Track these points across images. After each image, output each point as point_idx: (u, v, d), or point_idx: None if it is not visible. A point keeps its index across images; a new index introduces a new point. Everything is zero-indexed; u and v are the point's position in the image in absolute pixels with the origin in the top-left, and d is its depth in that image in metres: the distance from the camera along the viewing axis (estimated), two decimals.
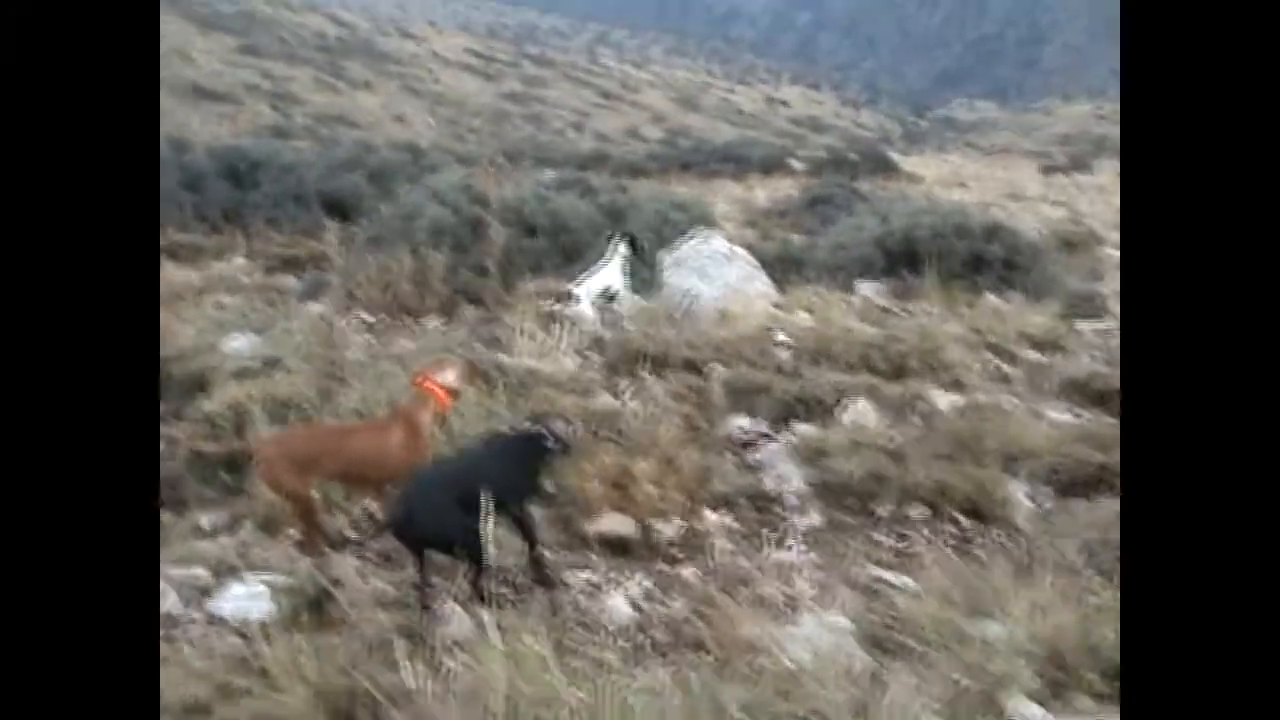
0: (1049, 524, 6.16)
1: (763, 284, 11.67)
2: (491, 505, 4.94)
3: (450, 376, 6.32)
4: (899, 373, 8.30)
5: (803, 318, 10.35)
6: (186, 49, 63.05)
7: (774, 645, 4.47)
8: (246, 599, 5.12)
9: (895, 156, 47.52)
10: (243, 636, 4.79)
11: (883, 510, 6.41)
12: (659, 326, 9.53)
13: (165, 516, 6.32)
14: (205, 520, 6.34)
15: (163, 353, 9.18)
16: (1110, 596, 4.50)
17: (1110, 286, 14.28)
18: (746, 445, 7.37)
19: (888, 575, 5.58)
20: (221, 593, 5.23)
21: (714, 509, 6.38)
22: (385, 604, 5.13)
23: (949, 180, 39.52)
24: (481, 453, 5.67)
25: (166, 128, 37.99)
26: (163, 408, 7.90)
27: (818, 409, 7.67)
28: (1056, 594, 4.61)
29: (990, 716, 3.95)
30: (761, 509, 6.52)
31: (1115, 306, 12.41)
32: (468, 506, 4.92)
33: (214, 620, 5.06)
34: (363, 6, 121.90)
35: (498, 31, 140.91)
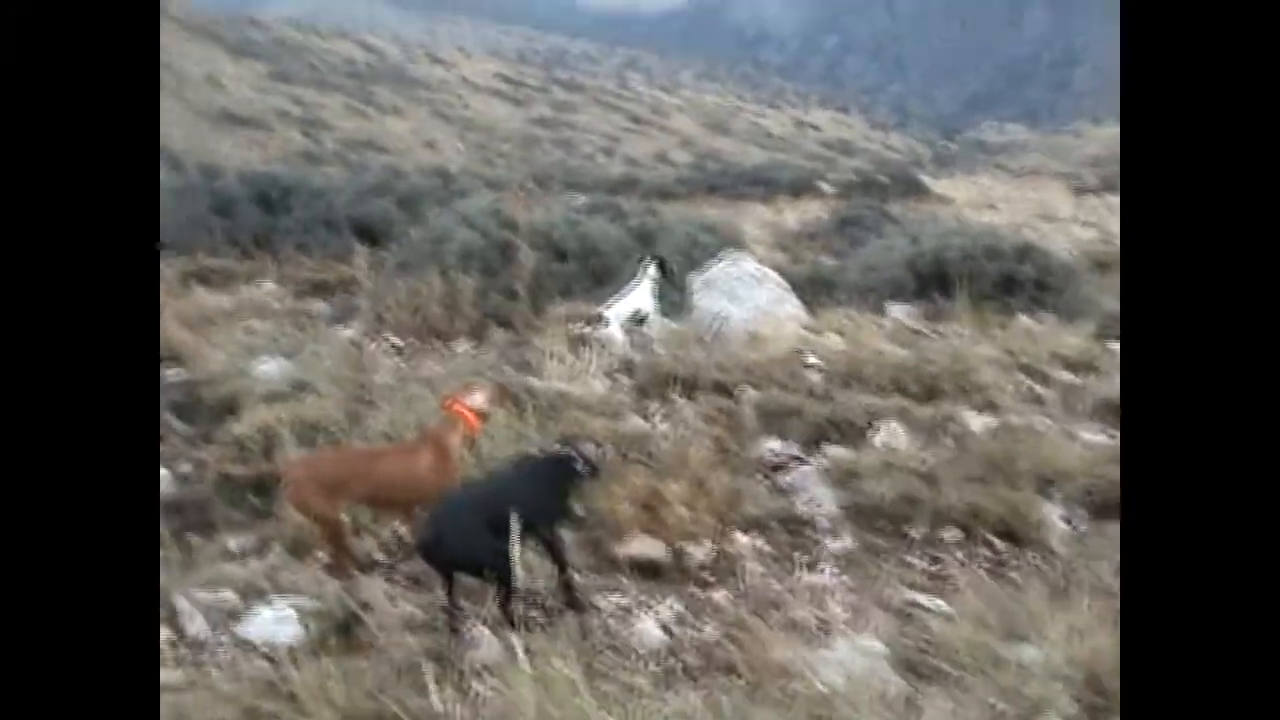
0: (1084, 546, 6.09)
1: (793, 306, 11.63)
2: (520, 528, 4.91)
3: (479, 399, 6.30)
4: (931, 395, 8.24)
5: (833, 340, 10.30)
6: (218, 76, 63.58)
7: (806, 669, 4.42)
8: (274, 623, 5.09)
9: (925, 179, 47.46)
10: (270, 660, 4.76)
11: (916, 533, 6.35)
12: (689, 349, 9.50)
13: (193, 539, 6.31)
14: (233, 543, 6.32)
15: (193, 376, 9.22)
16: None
17: None
18: (778, 468, 7.31)
19: (921, 598, 5.52)
20: (249, 616, 5.20)
21: (745, 532, 6.33)
22: (414, 627, 5.09)
23: (979, 202, 39.43)
24: (511, 475, 5.64)
25: (197, 153, 38.27)
26: (192, 431, 7.92)
27: (849, 431, 7.62)
28: (1093, 617, 4.54)
29: None
30: (793, 532, 6.46)
31: None
32: (497, 529, 4.88)
33: (242, 644, 5.03)
34: (392, 33, 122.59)
35: (527, 57, 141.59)
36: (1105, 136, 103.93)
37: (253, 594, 5.42)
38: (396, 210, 19.85)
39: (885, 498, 6.50)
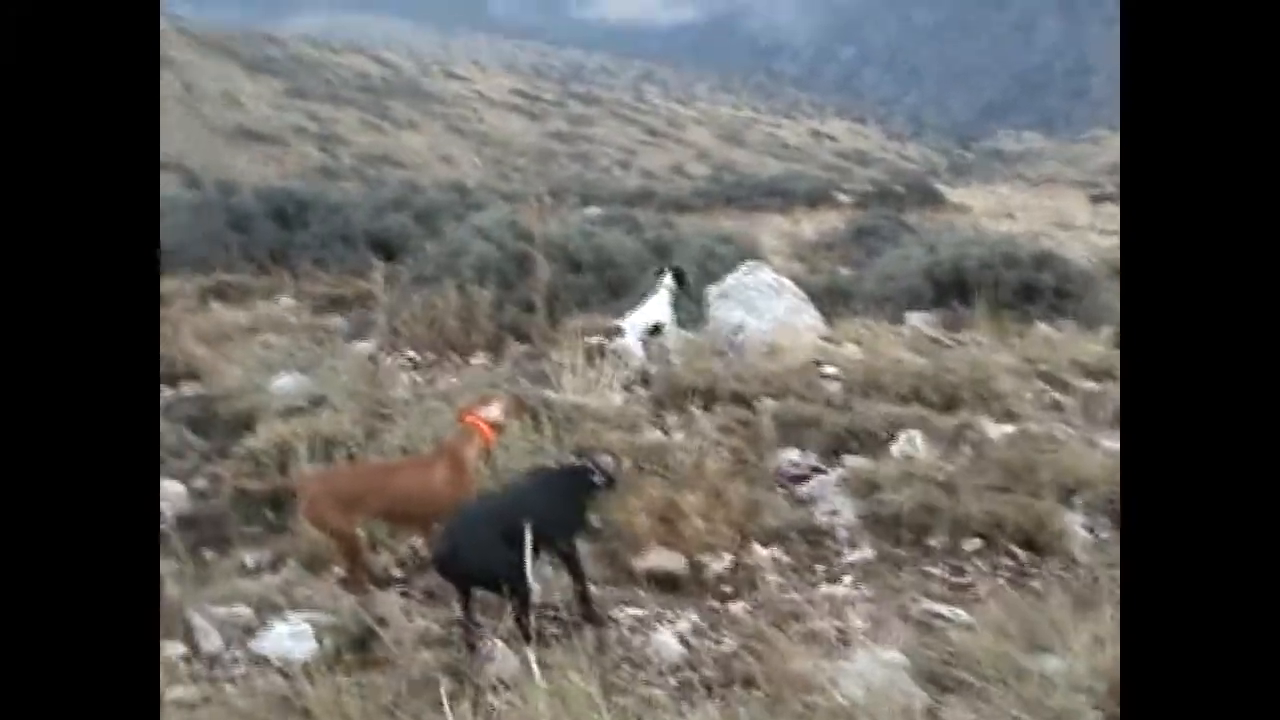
0: (1107, 555, 6.02)
1: (810, 316, 11.58)
2: (534, 540, 4.88)
3: (495, 412, 6.28)
4: (950, 404, 8.19)
5: (851, 350, 10.25)
6: (234, 92, 63.84)
7: (826, 681, 4.37)
8: (289, 638, 5.06)
9: (942, 188, 47.39)
10: (285, 676, 4.74)
11: (936, 543, 6.30)
12: (706, 360, 9.46)
13: (209, 554, 6.30)
14: (249, 558, 6.30)
15: (209, 392, 9.21)
16: None
17: None
18: (796, 478, 7.27)
19: (942, 609, 5.46)
20: (264, 631, 5.17)
21: (764, 543, 6.29)
22: (430, 642, 5.06)
23: (996, 211, 39.35)
24: (526, 488, 5.61)
25: (214, 170, 38.42)
26: (208, 446, 7.91)
27: (868, 441, 7.57)
28: (1117, 626, 4.48)
29: None
30: (812, 543, 6.42)
31: None
32: (513, 542, 4.85)
33: (257, 659, 5.00)
34: (408, 48, 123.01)
35: (543, 71, 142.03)
36: None
37: (268, 609, 5.40)
38: (413, 225, 19.89)
39: (905, 507, 6.44)
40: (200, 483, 7.44)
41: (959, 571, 6.01)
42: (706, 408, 8.17)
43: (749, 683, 4.66)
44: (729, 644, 5.13)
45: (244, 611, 5.36)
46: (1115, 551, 6.05)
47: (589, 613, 5.35)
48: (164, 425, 7.99)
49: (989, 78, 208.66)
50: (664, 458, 6.96)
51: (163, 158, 44.95)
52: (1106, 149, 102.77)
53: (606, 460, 5.81)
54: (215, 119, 58.20)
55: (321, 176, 47.09)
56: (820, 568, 6.06)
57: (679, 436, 7.62)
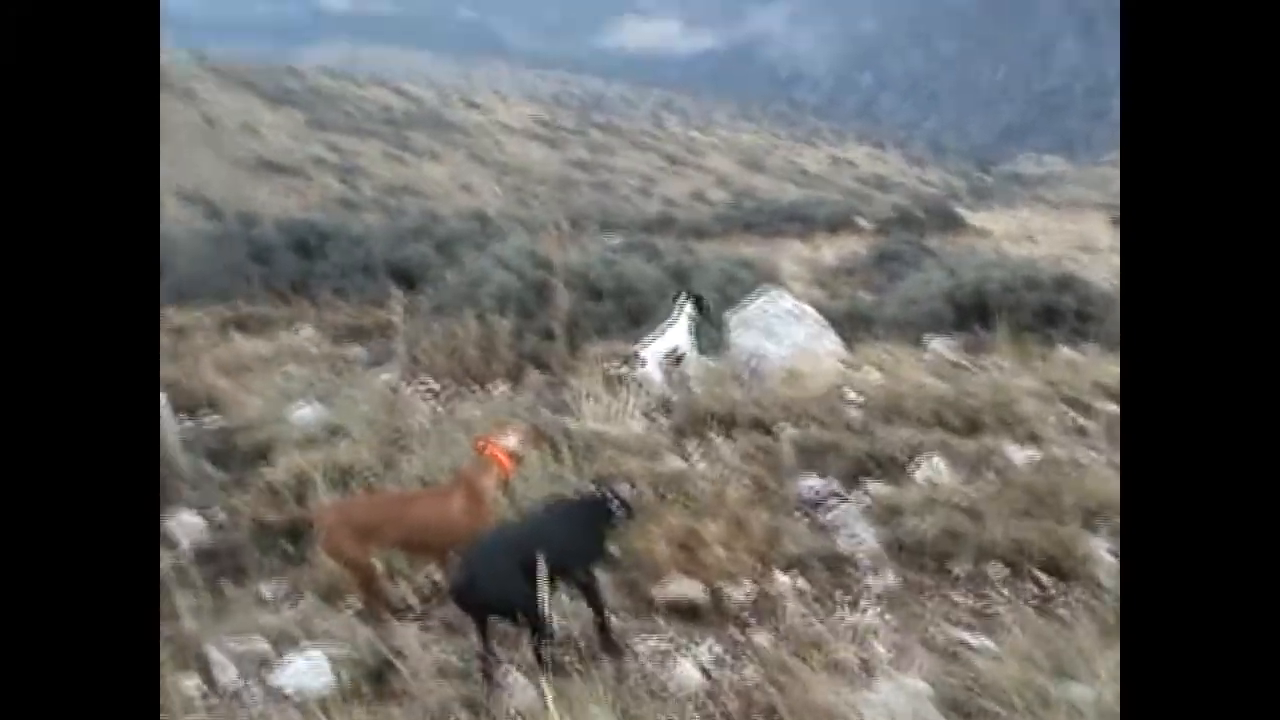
0: None
1: (831, 342, 11.53)
2: (546, 570, 4.83)
3: (513, 441, 6.24)
4: (972, 428, 8.12)
5: (873, 375, 10.20)
6: (255, 124, 64.17)
7: (850, 712, 4.31)
8: (307, 671, 5.02)
9: (962, 212, 47.29)
10: (302, 710, 4.69)
11: (960, 569, 6.23)
12: (727, 387, 9.42)
13: (227, 586, 6.28)
14: (267, 590, 6.27)
15: (229, 423, 9.19)
16: None
17: None
18: (818, 505, 7.21)
19: (967, 637, 5.40)
20: (281, 665, 5.13)
21: (785, 571, 6.22)
22: (447, 674, 5.02)
23: (1017, 234, 39.26)
24: (545, 518, 5.57)
25: (235, 202, 38.61)
26: (226, 477, 7.88)
27: (890, 467, 7.51)
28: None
29: None
30: (834, 570, 6.35)
31: None
32: (530, 573, 4.80)
33: (274, 693, 4.96)
34: (428, 79, 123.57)
35: (563, 100, 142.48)
36: None
37: (285, 642, 5.36)
38: (434, 254, 19.90)
39: (928, 534, 6.39)
40: (219, 514, 7.42)
41: (984, 598, 5.94)
42: (727, 435, 8.13)
43: (771, 713, 4.60)
44: (750, 674, 5.07)
45: (261, 646, 5.32)
46: None
47: (608, 643, 5.30)
48: (183, 457, 7.99)
49: (1008, 101, 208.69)
50: (684, 485, 6.91)
51: (184, 190, 45.27)
52: None
53: (625, 489, 5.77)
54: (236, 151, 58.53)
55: (343, 208, 47.25)
56: (843, 595, 6.00)
57: (700, 464, 7.57)
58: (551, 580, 4.93)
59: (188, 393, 10.06)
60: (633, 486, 5.96)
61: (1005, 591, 5.96)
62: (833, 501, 7.21)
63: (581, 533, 5.40)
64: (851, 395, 9.08)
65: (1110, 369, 10.49)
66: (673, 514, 6.31)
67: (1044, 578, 6.05)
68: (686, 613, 5.79)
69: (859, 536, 6.67)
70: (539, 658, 4.89)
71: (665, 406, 9.18)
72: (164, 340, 13.68)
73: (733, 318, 11.49)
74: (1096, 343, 12.25)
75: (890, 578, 6.22)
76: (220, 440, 8.83)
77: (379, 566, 5.85)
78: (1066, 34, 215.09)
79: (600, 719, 3.89)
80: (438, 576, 6.14)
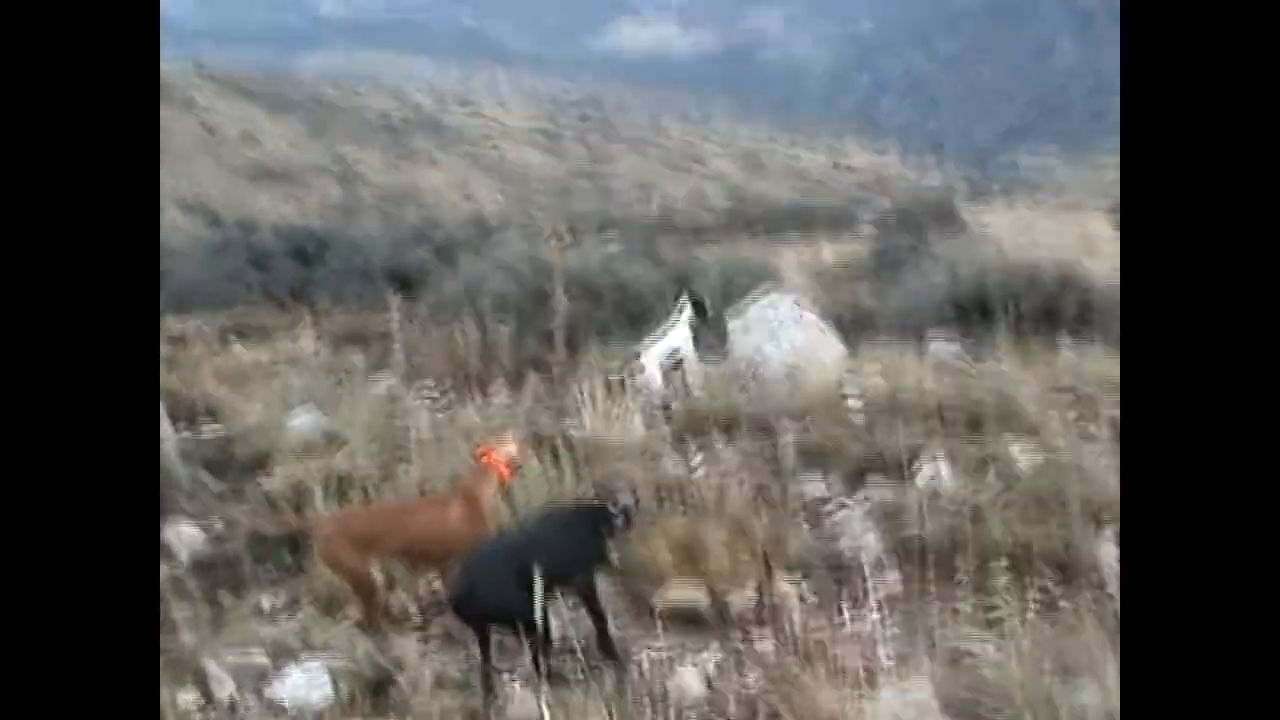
0: None
1: (832, 342, 11.48)
2: (549, 580, 4.78)
3: (511, 449, 6.20)
4: (975, 429, 8.06)
5: (874, 376, 10.13)
6: (255, 132, 64.16)
7: (855, 718, 4.26)
8: (305, 685, 4.97)
9: (963, 210, 47.18)
10: None
11: (963, 573, 6.16)
12: (727, 390, 9.37)
13: (225, 598, 6.23)
14: (265, 601, 6.22)
15: (228, 432, 9.14)
16: None
17: None
18: (820, 509, 7.15)
19: (972, 640, 5.34)
20: (280, 678, 5.08)
21: (788, 575, 6.17)
22: (447, 685, 4.98)
23: (1018, 232, 39.10)
24: (544, 527, 5.53)
25: (235, 210, 38.60)
26: (224, 488, 7.83)
27: (892, 469, 7.45)
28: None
29: None
30: (837, 574, 6.30)
31: None
32: (528, 581, 4.75)
33: (272, 706, 4.91)
34: (428, 84, 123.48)
35: (561, 103, 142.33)
36: None
37: (283, 654, 5.30)
38: (433, 260, 19.84)
39: (931, 536, 6.33)
40: (217, 525, 7.36)
41: (988, 602, 5.88)
42: (728, 438, 8.08)
43: None
44: (753, 681, 5.02)
45: (259, 659, 5.26)
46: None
47: (610, 651, 5.25)
48: (181, 468, 7.94)
49: (1007, 101, 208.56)
50: (685, 490, 6.86)
51: (184, 198, 45.24)
52: None
53: (625, 497, 5.73)
54: (236, 159, 58.53)
55: (343, 215, 47.21)
56: (846, 600, 5.95)
57: (700, 468, 7.52)
58: (551, 589, 4.89)
59: (187, 402, 10.02)
60: (633, 492, 5.91)
61: (1010, 595, 5.90)
62: (835, 505, 7.16)
63: (581, 540, 5.36)
64: (852, 397, 9.02)
65: (1114, 368, 10.42)
66: (674, 520, 6.26)
67: (1049, 580, 5.99)
68: (689, 619, 5.75)
69: (861, 540, 6.61)
70: (537, 667, 4.84)
71: (665, 410, 9.13)
72: (163, 349, 13.64)
73: (733, 320, 11.45)
74: (1099, 342, 12.18)
75: (893, 581, 6.16)
76: (218, 450, 8.78)
77: (378, 577, 5.80)
78: (1066, 34, 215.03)
79: None
80: (438, 586, 6.10)
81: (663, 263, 16.43)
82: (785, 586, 6.06)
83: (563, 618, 5.42)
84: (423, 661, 5.22)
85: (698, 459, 7.73)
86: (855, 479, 7.44)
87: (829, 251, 30.30)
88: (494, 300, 12.71)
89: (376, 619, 5.65)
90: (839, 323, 12.63)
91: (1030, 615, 5.49)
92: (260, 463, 8.10)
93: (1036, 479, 6.96)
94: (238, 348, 14.67)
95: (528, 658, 4.91)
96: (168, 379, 10.64)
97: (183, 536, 7.05)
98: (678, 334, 10.35)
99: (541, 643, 4.85)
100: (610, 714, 4.51)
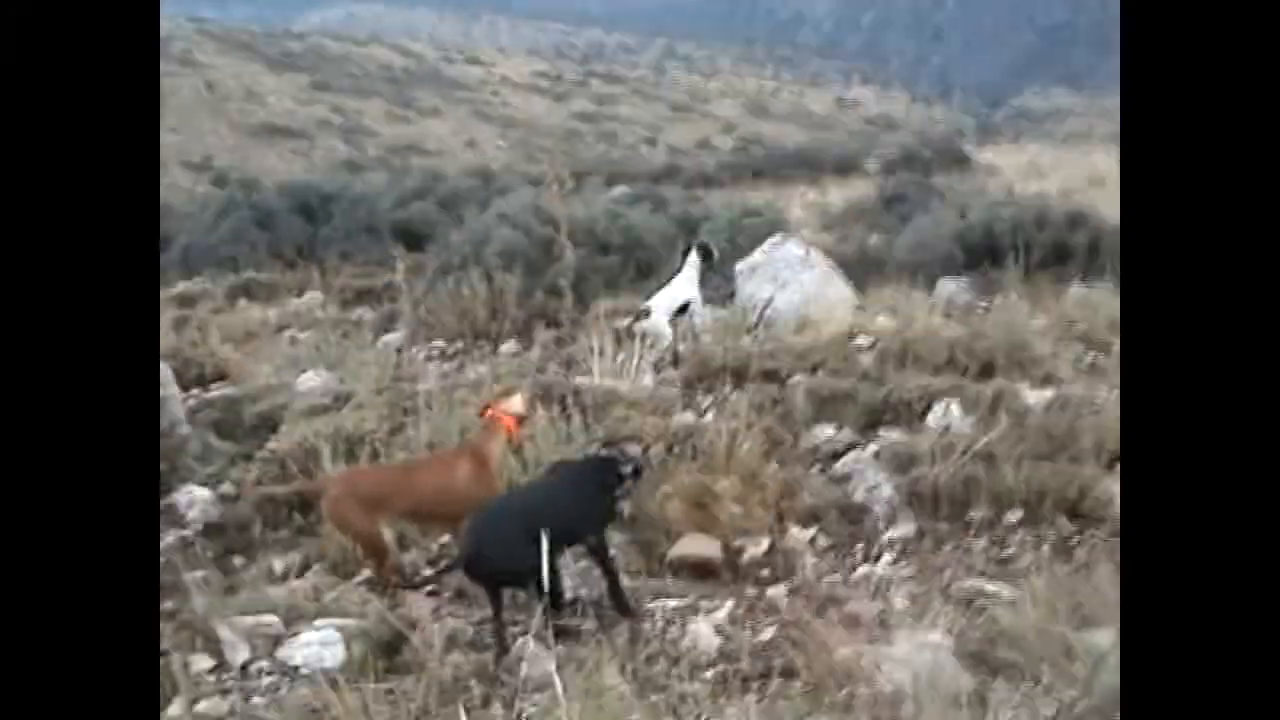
0: None
1: (841, 287, 11.43)
2: (558, 535, 4.76)
3: (517, 404, 6.15)
4: (986, 371, 7.99)
5: (884, 320, 10.06)
6: (258, 89, 63.89)
7: (869, 667, 4.24)
8: (318, 646, 4.95)
9: (970, 150, 46.95)
10: (313, 685, 4.63)
11: (977, 516, 6.13)
12: (737, 337, 9.33)
13: (237, 561, 6.23)
14: (277, 564, 6.20)
15: (236, 393, 9.11)
16: None
17: None
18: (833, 456, 7.11)
19: (986, 585, 5.31)
20: (292, 640, 5.06)
21: (801, 524, 6.14)
22: (460, 644, 4.96)
23: (1027, 171, 38.90)
24: (553, 482, 5.49)
25: (241, 169, 38.52)
26: (234, 449, 7.79)
27: (905, 414, 7.40)
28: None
29: None
30: (851, 521, 6.27)
31: None
32: (538, 538, 4.72)
33: (285, 669, 4.90)
34: (429, 36, 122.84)
35: (565, 52, 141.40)
36: None
37: (295, 617, 5.28)
38: (439, 212, 19.73)
39: (943, 481, 6.28)
40: (227, 488, 7.32)
41: (1002, 545, 5.85)
42: (738, 386, 8.03)
43: (789, 673, 4.53)
44: (767, 633, 5.00)
45: (272, 620, 5.24)
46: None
47: (622, 606, 5.23)
48: (190, 430, 7.91)
49: (1014, 36, 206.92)
50: (696, 440, 6.82)
51: (189, 158, 45.15)
52: None
53: (635, 450, 5.70)
54: (240, 117, 58.26)
55: (348, 170, 47.04)
56: (860, 547, 5.92)
57: (711, 418, 7.47)
58: (561, 544, 4.86)
59: (195, 363, 9.98)
60: (643, 445, 5.88)
61: (1024, 537, 5.87)
62: (848, 451, 7.12)
63: (590, 496, 5.32)
64: (863, 341, 8.96)
65: None
66: (685, 471, 6.23)
67: (1063, 522, 5.95)
68: (701, 571, 5.72)
69: (874, 486, 6.57)
70: (549, 624, 4.82)
71: (675, 359, 9.09)
72: (171, 311, 13.63)
73: (742, 266, 11.39)
74: (1109, 279, 12.11)
75: (907, 527, 6.13)
76: (227, 411, 8.73)
77: (389, 537, 5.77)
78: None
79: (615, 687, 3.82)
80: (450, 544, 6.07)
81: (670, 211, 16.35)
82: (797, 535, 6.04)
83: (574, 573, 5.40)
84: (435, 621, 5.21)
85: (708, 408, 7.70)
86: (868, 424, 7.38)
87: (837, 194, 30.16)
88: (501, 253, 12.64)
89: (388, 578, 5.63)
90: (847, 266, 12.56)
91: (1044, 556, 5.47)
92: (269, 423, 8.05)
93: (1048, 419, 6.90)
94: (245, 307, 14.67)
95: (540, 615, 4.89)
96: (176, 341, 10.61)
97: (194, 499, 7.02)
98: (685, 282, 10.28)
99: (553, 599, 4.82)
100: (624, 668, 4.50)
